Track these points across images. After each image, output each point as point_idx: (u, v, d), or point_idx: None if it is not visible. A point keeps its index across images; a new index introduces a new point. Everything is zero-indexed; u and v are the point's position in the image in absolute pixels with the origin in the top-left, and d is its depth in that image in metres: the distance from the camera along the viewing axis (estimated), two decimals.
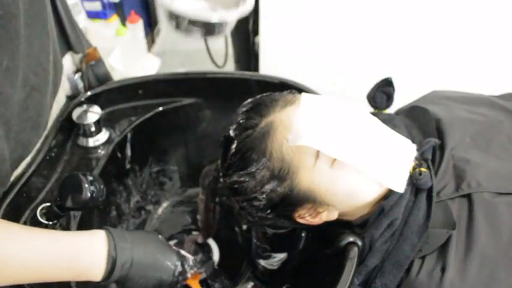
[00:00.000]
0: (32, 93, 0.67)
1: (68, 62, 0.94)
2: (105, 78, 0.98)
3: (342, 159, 0.65)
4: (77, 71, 0.95)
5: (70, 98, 0.94)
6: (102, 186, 0.70)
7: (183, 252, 0.71)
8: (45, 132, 0.80)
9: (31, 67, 0.66)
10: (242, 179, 0.69)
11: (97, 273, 0.59)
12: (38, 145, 0.77)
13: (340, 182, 0.67)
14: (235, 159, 0.70)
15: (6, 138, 0.61)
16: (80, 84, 0.95)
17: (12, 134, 0.63)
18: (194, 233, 1.00)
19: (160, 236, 0.69)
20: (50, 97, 0.78)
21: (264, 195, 0.69)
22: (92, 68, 0.95)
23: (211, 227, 0.93)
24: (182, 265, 0.68)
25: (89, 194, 0.67)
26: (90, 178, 0.69)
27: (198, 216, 0.96)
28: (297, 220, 0.72)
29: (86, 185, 0.67)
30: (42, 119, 0.74)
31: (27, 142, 0.70)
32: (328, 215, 0.71)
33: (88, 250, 0.59)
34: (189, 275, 0.69)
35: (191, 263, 0.70)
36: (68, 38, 0.90)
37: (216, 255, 0.98)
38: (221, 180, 0.75)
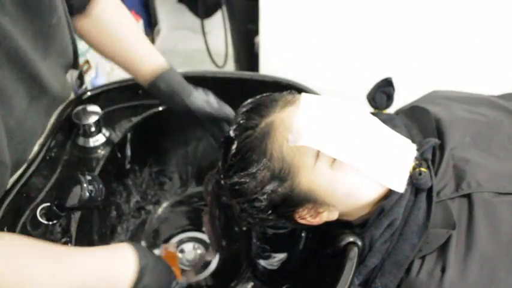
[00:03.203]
0: (31, 103, 0.68)
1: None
2: None
3: (342, 159, 0.65)
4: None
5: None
6: (101, 186, 0.70)
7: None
8: (45, 134, 0.80)
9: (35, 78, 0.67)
10: (243, 179, 0.69)
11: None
12: (36, 148, 0.78)
13: (340, 182, 0.67)
14: (236, 159, 0.70)
15: (8, 147, 0.61)
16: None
17: (13, 143, 0.63)
18: (199, 251, 1.00)
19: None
20: (49, 108, 0.79)
21: (265, 196, 0.69)
22: None
23: (219, 236, 0.92)
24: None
25: (87, 194, 0.67)
26: (89, 177, 0.68)
27: (204, 228, 0.96)
28: (298, 220, 0.72)
29: (85, 185, 0.67)
30: (39, 129, 0.76)
31: (24, 150, 0.71)
32: (328, 215, 0.71)
33: (117, 268, 0.61)
34: None
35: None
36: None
37: (215, 256, 0.98)
38: (222, 182, 0.75)
